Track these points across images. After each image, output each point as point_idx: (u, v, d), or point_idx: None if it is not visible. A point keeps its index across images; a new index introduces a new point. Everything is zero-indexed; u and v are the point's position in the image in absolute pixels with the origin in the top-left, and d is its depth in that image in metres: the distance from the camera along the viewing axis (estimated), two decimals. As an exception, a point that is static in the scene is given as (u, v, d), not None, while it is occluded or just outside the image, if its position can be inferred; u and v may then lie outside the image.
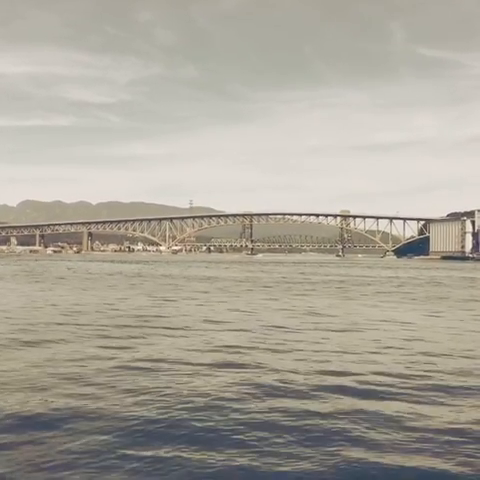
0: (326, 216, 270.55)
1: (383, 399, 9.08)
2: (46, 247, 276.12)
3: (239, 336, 15.71)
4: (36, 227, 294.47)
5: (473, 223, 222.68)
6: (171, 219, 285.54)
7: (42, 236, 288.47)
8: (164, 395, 9.08)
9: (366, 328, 17.86)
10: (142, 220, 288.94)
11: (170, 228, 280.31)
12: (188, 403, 8.65)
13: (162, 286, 39.61)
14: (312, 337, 15.59)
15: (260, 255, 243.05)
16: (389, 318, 20.58)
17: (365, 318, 20.58)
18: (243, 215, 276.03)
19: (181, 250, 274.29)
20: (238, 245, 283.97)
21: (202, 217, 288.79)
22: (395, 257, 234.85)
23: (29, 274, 55.61)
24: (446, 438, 7.30)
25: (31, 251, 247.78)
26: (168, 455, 6.65)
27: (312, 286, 41.28)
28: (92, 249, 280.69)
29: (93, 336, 15.23)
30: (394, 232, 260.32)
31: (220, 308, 23.97)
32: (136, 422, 7.73)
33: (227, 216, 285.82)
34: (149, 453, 6.68)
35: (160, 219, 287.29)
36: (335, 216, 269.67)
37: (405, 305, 26.46)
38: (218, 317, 20.38)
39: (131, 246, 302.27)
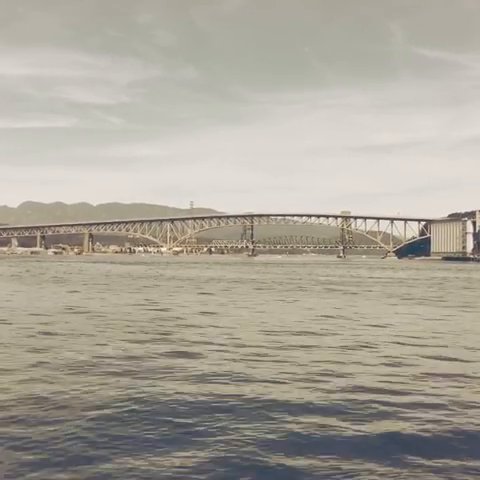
0: (327, 217, 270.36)
1: None
2: (47, 248, 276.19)
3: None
4: (37, 228, 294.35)
5: (474, 224, 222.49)
6: (172, 220, 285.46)
7: (43, 237, 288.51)
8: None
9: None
10: (143, 221, 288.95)
11: (171, 229, 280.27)
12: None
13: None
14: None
15: (279, 257, 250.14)
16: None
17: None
18: (244, 216, 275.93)
19: (182, 251, 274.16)
20: (239, 246, 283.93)
21: (203, 218, 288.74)
22: (396, 258, 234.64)
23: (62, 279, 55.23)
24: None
25: (32, 252, 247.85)
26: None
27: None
28: (93, 250, 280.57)
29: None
30: (395, 233, 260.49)
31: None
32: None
33: (228, 217, 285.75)
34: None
35: (161, 220, 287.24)
36: (336, 217, 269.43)
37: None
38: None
39: (132, 247, 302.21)
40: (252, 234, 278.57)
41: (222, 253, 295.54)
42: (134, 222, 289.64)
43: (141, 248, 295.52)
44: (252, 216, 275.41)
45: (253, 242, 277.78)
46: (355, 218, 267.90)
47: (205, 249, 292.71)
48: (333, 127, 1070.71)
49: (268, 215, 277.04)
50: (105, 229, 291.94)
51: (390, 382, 10.34)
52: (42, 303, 25.73)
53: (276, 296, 32.18)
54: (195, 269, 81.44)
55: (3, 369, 11.22)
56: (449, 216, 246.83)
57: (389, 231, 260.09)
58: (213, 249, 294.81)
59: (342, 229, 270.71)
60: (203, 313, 22.52)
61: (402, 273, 75.43)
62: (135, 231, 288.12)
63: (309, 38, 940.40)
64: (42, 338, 15.31)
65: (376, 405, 8.78)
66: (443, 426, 7.84)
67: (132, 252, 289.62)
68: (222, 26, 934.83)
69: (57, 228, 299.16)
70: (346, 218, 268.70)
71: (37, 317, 20.19)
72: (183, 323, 18.94)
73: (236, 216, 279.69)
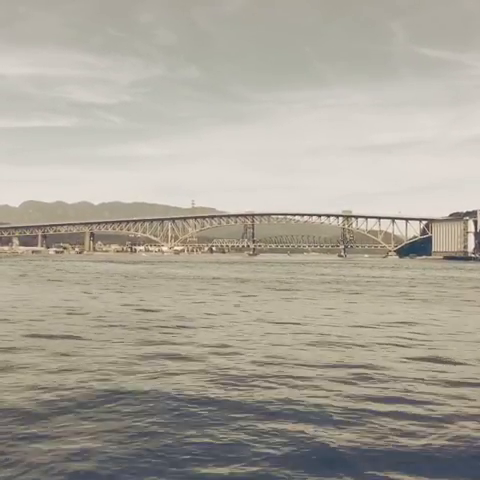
0: (328, 216, 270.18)
1: None
2: (48, 248, 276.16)
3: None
4: (38, 228, 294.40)
5: (475, 223, 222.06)
6: (173, 219, 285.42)
7: (44, 237, 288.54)
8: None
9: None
10: (144, 220, 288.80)
11: (172, 228, 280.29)
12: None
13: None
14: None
15: (288, 256, 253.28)
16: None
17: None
18: (245, 215, 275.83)
19: (183, 250, 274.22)
20: (240, 245, 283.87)
21: (204, 217, 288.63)
22: (397, 257, 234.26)
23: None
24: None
25: (33, 252, 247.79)
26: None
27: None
28: (94, 249, 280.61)
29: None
30: (396, 232, 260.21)
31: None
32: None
33: (229, 216, 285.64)
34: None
35: (162, 219, 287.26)
36: (337, 216, 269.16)
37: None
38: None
39: (133, 246, 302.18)
40: (253, 233, 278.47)
41: (223, 252, 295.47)
42: (135, 221, 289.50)
43: (142, 247, 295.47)
44: (253, 215, 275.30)
45: (254, 241, 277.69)
46: (356, 217, 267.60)
47: (206, 248, 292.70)
48: (334, 127, 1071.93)
49: (269, 214, 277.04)
50: (106, 228, 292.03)
51: None
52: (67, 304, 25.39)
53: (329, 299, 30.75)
54: (207, 269, 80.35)
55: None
56: (450, 215, 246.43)
57: (390, 230, 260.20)
58: (214, 248, 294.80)
59: (343, 228, 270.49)
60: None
61: (418, 272, 76.08)
62: (136, 230, 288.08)
63: (310, 38, 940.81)
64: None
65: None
66: None
67: (133, 251, 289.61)
68: (223, 26, 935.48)
69: (58, 227, 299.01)
70: (347, 217, 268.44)
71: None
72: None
73: (237, 215, 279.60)
